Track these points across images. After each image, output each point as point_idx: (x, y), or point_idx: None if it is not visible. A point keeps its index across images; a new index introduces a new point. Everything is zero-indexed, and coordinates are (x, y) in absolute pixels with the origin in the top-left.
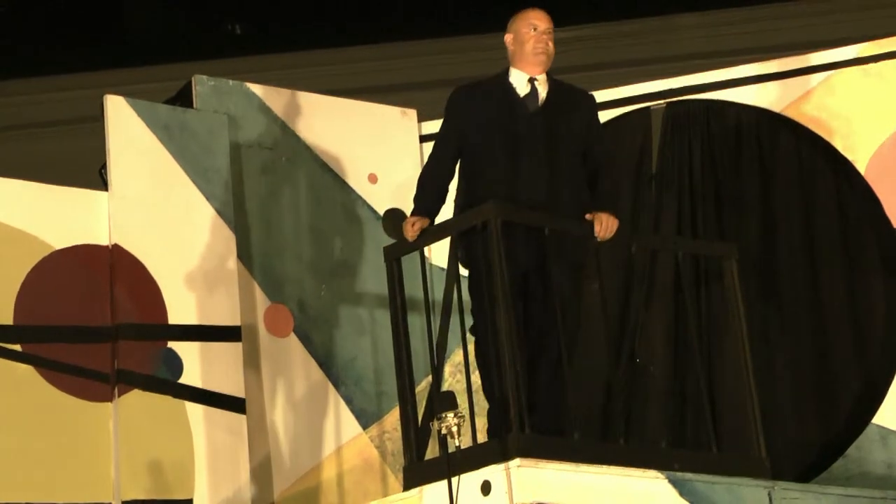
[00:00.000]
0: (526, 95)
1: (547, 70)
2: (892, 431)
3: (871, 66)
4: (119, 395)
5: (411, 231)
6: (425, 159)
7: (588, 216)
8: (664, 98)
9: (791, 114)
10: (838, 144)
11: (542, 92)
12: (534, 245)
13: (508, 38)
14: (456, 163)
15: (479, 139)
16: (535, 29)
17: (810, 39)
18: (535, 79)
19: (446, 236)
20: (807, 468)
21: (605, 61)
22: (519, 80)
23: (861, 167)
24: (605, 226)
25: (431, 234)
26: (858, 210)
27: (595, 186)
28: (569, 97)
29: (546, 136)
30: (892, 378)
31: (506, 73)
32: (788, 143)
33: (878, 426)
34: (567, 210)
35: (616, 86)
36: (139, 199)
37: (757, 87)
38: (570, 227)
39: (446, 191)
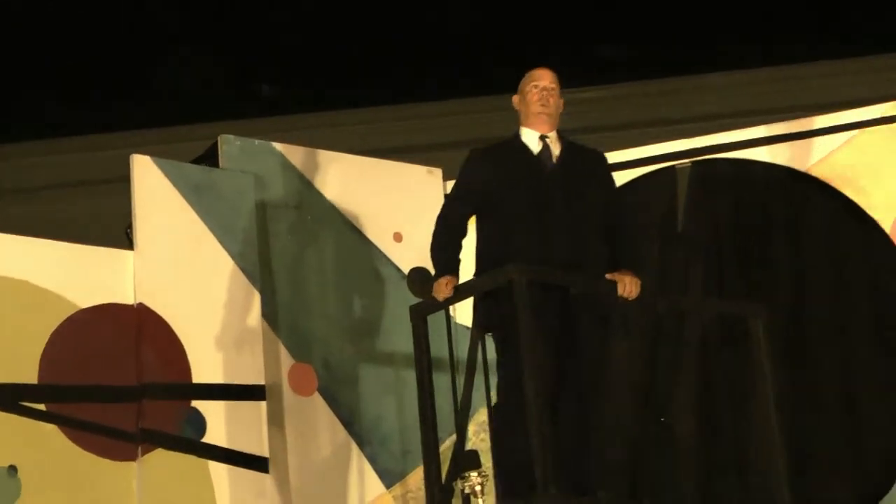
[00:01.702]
0: (539, 153)
1: (556, 128)
2: None
3: None
4: (143, 455)
5: (445, 290)
6: None
7: (609, 276)
8: (690, 157)
9: (817, 173)
10: (864, 203)
11: (555, 150)
12: (557, 303)
13: (516, 99)
14: (467, 223)
15: (497, 199)
16: (536, 86)
17: (837, 99)
18: (547, 136)
19: (472, 295)
20: None
21: (631, 120)
22: (530, 139)
23: (887, 226)
24: (627, 286)
25: (458, 293)
26: (886, 270)
27: (614, 245)
28: (582, 155)
29: (564, 193)
30: None
31: (517, 134)
32: (815, 203)
33: None
34: (590, 268)
35: (642, 145)
36: (165, 258)
37: (783, 147)
38: (594, 286)
39: (461, 250)
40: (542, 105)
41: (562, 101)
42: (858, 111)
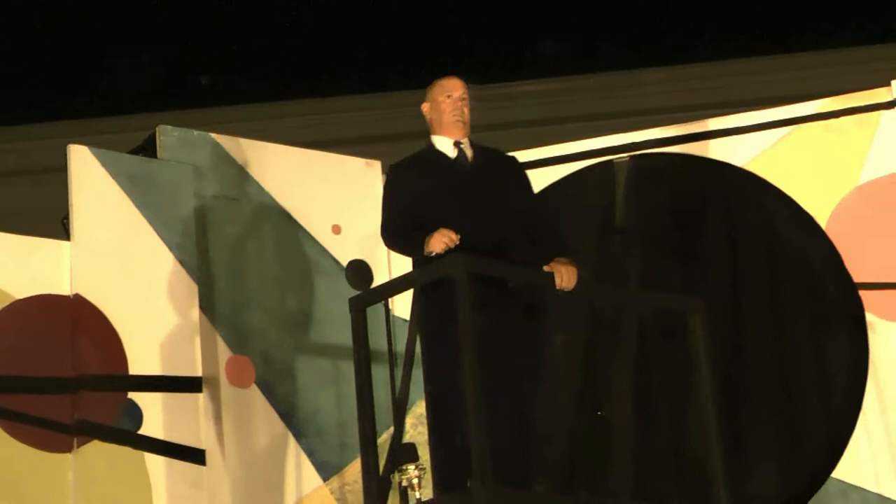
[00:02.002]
0: (456, 158)
1: (468, 135)
2: (852, 486)
3: (833, 121)
4: (79, 446)
5: (446, 237)
6: None
7: (546, 268)
8: (628, 151)
9: (754, 168)
10: (800, 199)
11: (469, 153)
12: (494, 296)
13: (426, 106)
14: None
15: (424, 208)
16: (449, 97)
17: (773, 95)
18: (460, 142)
19: (411, 287)
20: None
21: (569, 115)
22: (445, 146)
23: (822, 221)
24: (564, 277)
25: (396, 285)
26: (821, 265)
27: (540, 241)
28: (495, 158)
29: (484, 194)
30: (852, 432)
31: (430, 145)
32: (751, 197)
33: (837, 480)
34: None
35: (580, 139)
36: (102, 249)
37: (720, 141)
38: (532, 278)
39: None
40: (458, 115)
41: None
42: (795, 107)
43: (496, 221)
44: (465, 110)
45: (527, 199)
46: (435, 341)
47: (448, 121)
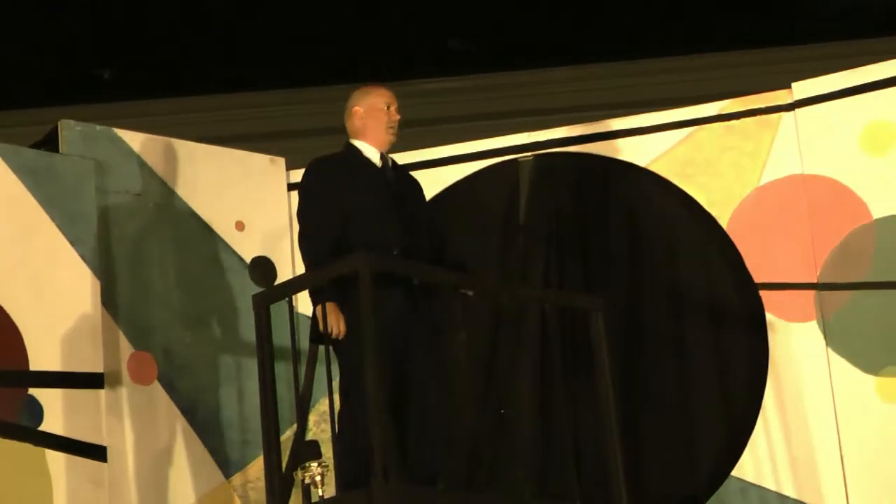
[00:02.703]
0: (382, 167)
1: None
2: (752, 484)
3: (734, 122)
4: None
5: (338, 329)
6: (294, 207)
7: None
8: (532, 150)
9: (656, 168)
10: (702, 199)
11: (390, 166)
12: (400, 296)
13: (358, 110)
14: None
15: (347, 207)
16: (388, 108)
17: (675, 95)
18: (384, 154)
19: (319, 284)
20: None
21: (473, 113)
22: (372, 154)
23: (723, 222)
24: None
25: (300, 282)
26: (721, 265)
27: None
28: (406, 175)
29: (402, 207)
30: (752, 431)
31: (354, 147)
32: (653, 197)
33: (737, 479)
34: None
35: (484, 137)
36: (1, 244)
37: (622, 141)
38: (438, 276)
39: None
40: (394, 131)
41: None
42: (696, 108)
43: (412, 234)
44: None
45: (424, 220)
46: (347, 340)
47: (383, 134)
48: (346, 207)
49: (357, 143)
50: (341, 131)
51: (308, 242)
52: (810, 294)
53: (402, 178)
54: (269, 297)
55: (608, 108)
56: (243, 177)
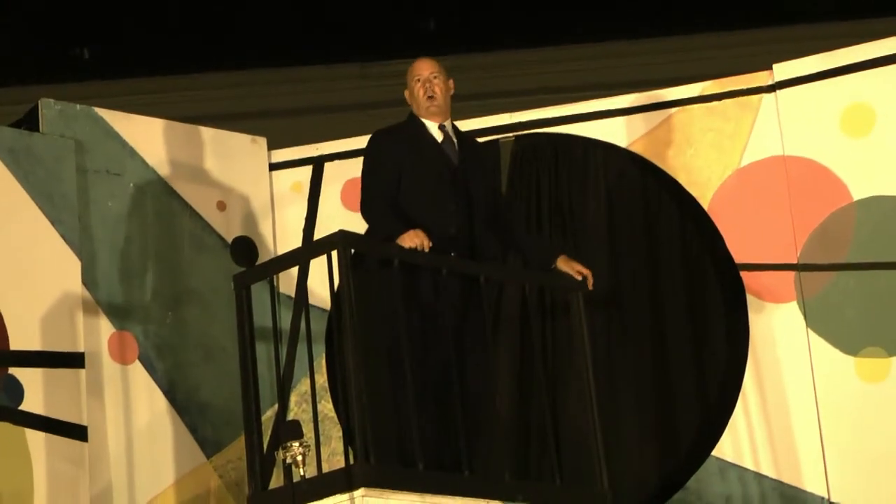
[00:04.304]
0: (442, 142)
1: (449, 114)
2: (731, 464)
3: (715, 104)
4: None
5: (419, 238)
6: (275, 187)
7: (563, 269)
8: (512, 131)
9: (637, 149)
10: (682, 180)
11: (454, 140)
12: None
13: (407, 92)
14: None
15: (405, 181)
16: (419, 81)
17: (656, 77)
18: (444, 126)
19: (296, 265)
20: (648, 500)
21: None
22: (430, 126)
23: (704, 203)
24: (589, 277)
25: (281, 262)
26: (701, 246)
27: (520, 236)
28: (473, 146)
29: (464, 184)
30: (732, 411)
31: (415, 120)
32: (634, 178)
33: (716, 458)
34: (483, 254)
35: (465, 119)
36: None
37: (603, 123)
38: (417, 258)
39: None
40: (430, 98)
41: (451, 82)
42: (676, 89)
43: (472, 211)
44: (437, 90)
45: (497, 194)
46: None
47: (422, 104)
48: (404, 183)
49: (418, 117)
50: (323, 111)
51: (367, 212)
52: (790, 275)
53: (467, 152)
54: (250, 277)
55: (589, 90)
56: (224, 157)
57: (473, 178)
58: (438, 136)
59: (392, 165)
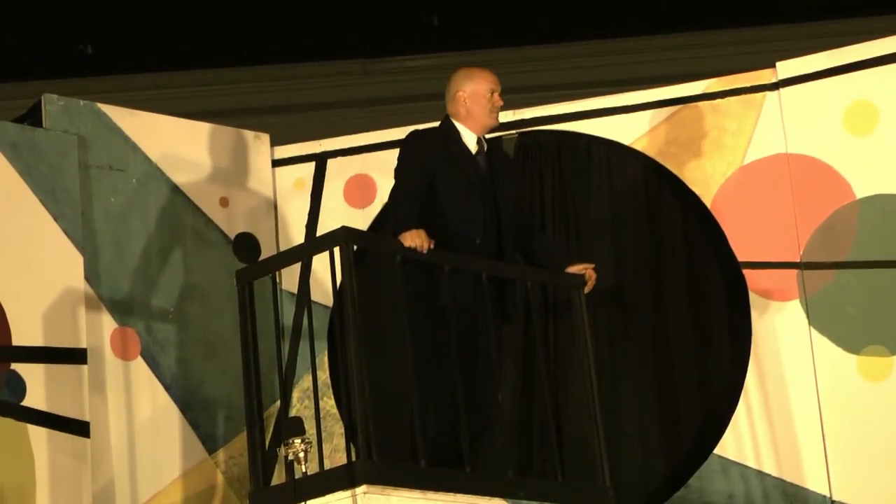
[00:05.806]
0: (477, 153)
1: None
2: (733, 462)
3: (719, 101)
4: None
5: (420, 239)
6: (278, 183)
7: (575, 270)
8: (516, 128)
9: (640, 146)
10: (686, 178)
11: (485, 151)
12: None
13: (462, 94)
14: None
15: (438, 185)
16: (492, 94)
17: (659, 74)
18: (482, 139)
19: (298, 261)
20: (650, 497)
21: None
22: (469, 139)
23: (707, 201)
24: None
25: (284, 258)
26: (704, 244)
27: (540, 243)
28: (501, 157)
29: (493, 196)
30: (734, 409)
31: (454, 127)
32: (637, 176)
33: (718, 456)
34: (508, 261)
35: None
36: None
37: (607, 120)
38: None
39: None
40: (496, 117)
41: None
42: (680, 87)
43: (499, 222)
44: None
45: (518, 199)
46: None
47: (486, 120)
48: (436, 188)
49: (458, 125)
50: (326, 107)
51: (393, 197)
52: (793, 273)
53: (495, 162)
54: (253, 274)
55: (592, 87)
56: (227, 153)
57: (500, 190)
58: (473, 148)
59: (427, 168)
